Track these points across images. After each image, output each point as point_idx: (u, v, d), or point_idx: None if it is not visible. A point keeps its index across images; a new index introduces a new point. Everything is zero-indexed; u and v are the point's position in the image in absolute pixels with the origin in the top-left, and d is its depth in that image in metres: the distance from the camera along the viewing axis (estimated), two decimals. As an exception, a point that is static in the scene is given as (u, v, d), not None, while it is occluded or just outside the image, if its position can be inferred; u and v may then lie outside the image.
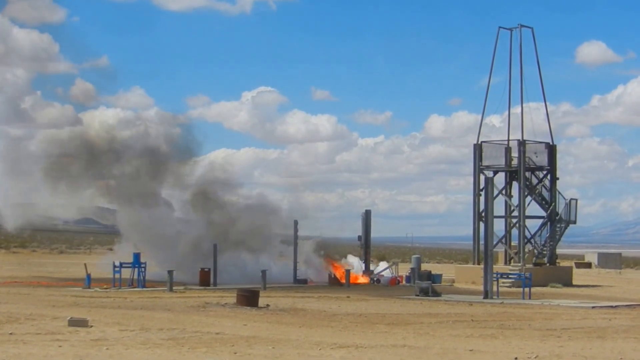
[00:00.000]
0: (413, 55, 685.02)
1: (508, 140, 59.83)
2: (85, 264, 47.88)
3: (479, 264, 56.16)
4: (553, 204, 59.49)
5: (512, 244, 60.07)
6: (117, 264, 46.16)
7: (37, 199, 65.33)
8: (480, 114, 61.30)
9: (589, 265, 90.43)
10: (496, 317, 32.53)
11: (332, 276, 55.04)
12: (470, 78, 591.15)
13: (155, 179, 60.51)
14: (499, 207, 57.37)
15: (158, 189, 61.25)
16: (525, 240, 58.93)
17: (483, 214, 49.40)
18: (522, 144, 58.83)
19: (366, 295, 44.17)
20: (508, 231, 60.08)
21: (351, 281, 53.79)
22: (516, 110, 60.63)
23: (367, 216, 59.87)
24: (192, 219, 60.59)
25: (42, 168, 58.62)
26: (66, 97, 65.66)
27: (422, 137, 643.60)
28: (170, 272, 44.60)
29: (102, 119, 64.09)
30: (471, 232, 60.23)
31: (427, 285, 44.59)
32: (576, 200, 60.31)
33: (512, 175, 59.79)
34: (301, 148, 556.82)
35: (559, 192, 60.15)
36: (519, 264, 56.37)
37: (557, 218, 59.42)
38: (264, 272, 48.74)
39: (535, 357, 20.97)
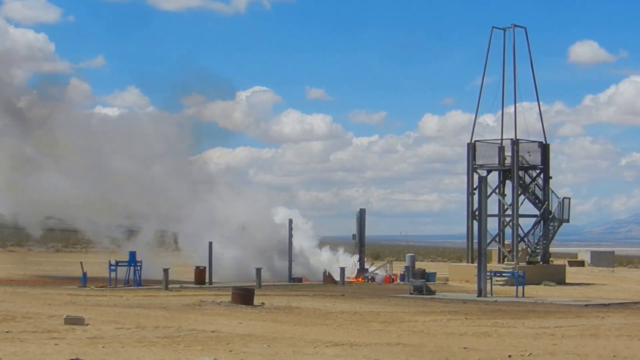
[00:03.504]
0: (407, 55, 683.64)
1: (501, 139, 60.03)
2: (81, 263, 47.96)
3: (472, 262, 56.36)
4: (546, 202, 59.69)
5: (506, 242, 60.26)
6: (112, 262, 46.31)
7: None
8: (474, 113, 61.61)
9: (582, 263, 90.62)
10: (490, 315, 32.66)
11: (327, 274, 55.17)
12: (464, 77, 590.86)
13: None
14: (492, 206, 57.61)
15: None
16: (519, 239, 59.11)
17: (477, 213, 49.66)
18: (515, 143, 59.04)
19: (360, 293, 44.30)
20: (501, 230, 60.26)
21: None
22: (509, 109, 60.93)
23: (361, 215, 60.01)
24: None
25: None
26: (62, 97, 65.35)
27: (416, 136, 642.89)
28: (166, 271, 44.72)
29: None
30: (465, 231, 60.40)
31: (421, 284, 44.78)
32: (569, 199, 60.62)
33: (505, 174, 59.98)
34: (296, 147, 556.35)
35: (552, 191, 60.40)
36: (513, 263, 56.54)
37: (550, 217, 59.63)
38: (258, 270, 48.90)
39: (528, 355, 21.11)
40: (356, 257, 60.02)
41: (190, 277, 50.75)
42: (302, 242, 60.43)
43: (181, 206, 58.70)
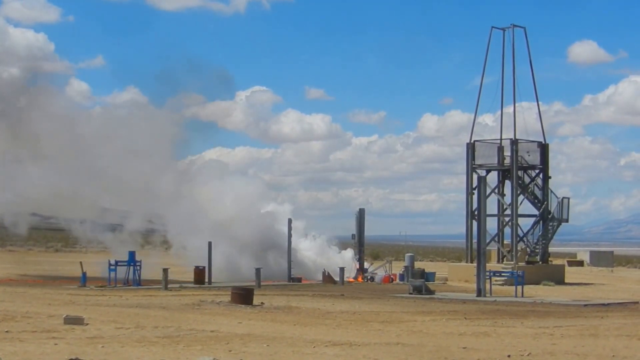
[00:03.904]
0: (406, 55, 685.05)
1: (501, 139, 60.05)
2: (80, 263, 47.96)
3: (472, 262, 56.36)
4: (545, 202, 59.71)
5: (505, 242, 60.29)
6: (112, 262, 46.31)
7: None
8: (473, 113, 61.63)
9: (581, 263, 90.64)
10: (489, 314, 32.69)
11: (327, 274, 55.18)
12: (463, 77, 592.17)
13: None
14: (491, 206, 57.64)
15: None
16: (518, 239, 59.14)
17: (476, 213, 49.61)
18: (514, 143, 59.06)
19: (360, 293, 44.31)
20: (501, 230, 60.29)
21: None
22: (509, 109, 60.97)
23: (360, 215, 59.99)
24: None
25: None
26: (58, 96, 65.27)
27: (415, 136, 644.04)
28: (165, 271, 44.70)
29: None
30: (464, 231, 60.43)
31: (420, 284, 44.80)
32: (568, 198, 60.64)
33: (504, 174, 60.00)
34: (295, 147, 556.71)
35: (551, 191, 60.43)
36: (512, 262, 56.58)
37: (549, 216, 59.65)
38: (258, 270, 48.89)
39: (528, 355, 21.13)
40: (352, 252, 60.04)
41: (185, 276, 50.73)
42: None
43: (168, 203, 58.54)
